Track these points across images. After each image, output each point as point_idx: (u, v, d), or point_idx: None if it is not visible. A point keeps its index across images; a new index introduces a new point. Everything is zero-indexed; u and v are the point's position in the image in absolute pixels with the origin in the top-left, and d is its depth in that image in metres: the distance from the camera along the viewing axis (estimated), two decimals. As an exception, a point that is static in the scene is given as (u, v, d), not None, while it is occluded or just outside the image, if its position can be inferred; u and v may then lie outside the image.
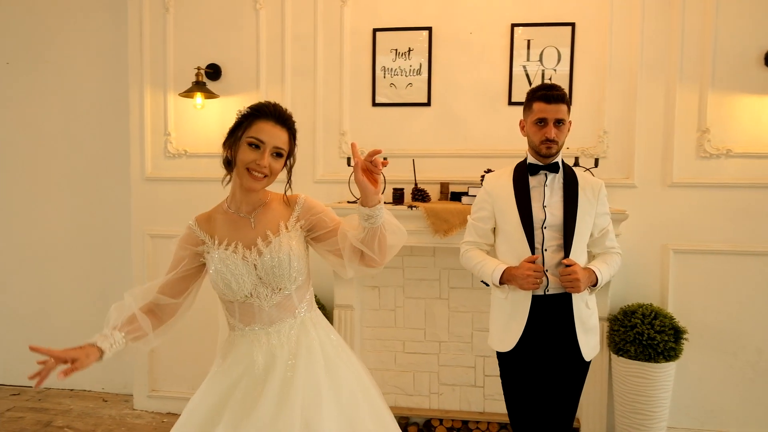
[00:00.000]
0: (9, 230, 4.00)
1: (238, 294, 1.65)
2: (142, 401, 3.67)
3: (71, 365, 1.41)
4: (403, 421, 3.30)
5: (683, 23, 3.01)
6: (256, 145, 1.62)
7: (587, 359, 2.14)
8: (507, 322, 2.14)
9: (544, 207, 2.11)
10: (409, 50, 3.27)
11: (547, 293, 2.10)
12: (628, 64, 3.08)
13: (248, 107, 1.67)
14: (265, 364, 1.60)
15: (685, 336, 2.87)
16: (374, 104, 3.33)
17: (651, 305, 2.95)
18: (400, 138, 3.30)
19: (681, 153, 3.05)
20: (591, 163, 3.01)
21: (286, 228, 1.69)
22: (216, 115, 3.49)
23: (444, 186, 3.20)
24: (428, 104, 3.27)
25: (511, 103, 3.19)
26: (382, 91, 3.32)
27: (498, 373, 3.17)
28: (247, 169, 1.63)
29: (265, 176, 1.64)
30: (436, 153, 3.27)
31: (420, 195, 3.11)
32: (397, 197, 3.12)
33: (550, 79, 3.14)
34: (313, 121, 3.39)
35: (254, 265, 1.63)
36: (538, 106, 2.08)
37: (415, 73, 3.28)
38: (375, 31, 3.30)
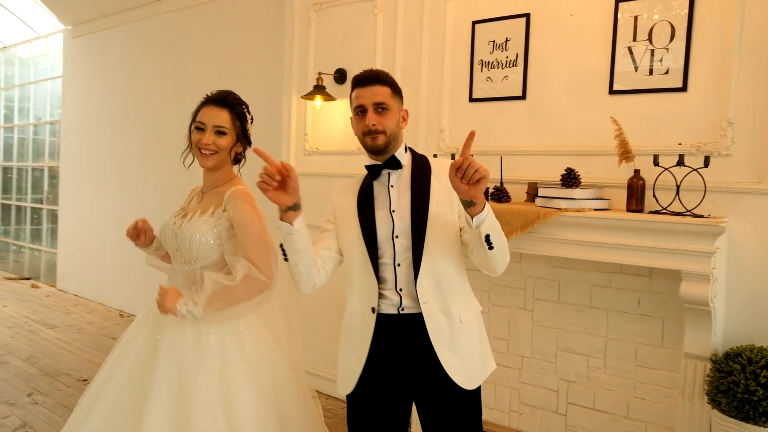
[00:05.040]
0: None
1: (168, 250, 1.97)
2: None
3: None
4: (480, 434, 3.12)
5: None
6: (200, 128, 1.89)
7: (465, 387, 1.73)
8: (345, 360, 1.82)
9: (391, 212, 1.76)
10: (506, 41, 3.06)
11: (401, 313, 1.74)
12: (765, 37, 2.36)
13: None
14: (158, 316, 1.86)
15: (808, 398, 2.11)
16: (471, 99, 3.21)
17: (769, 350, 2.24)
18: (492, 133, 3.12)
19: (843, 150, 2.23)
20: (700, 163, 2.40)
21: (211, 213, 1.87)
22: (339, 116, 3.79)
23: (531, 186, 2.92)
24: (523, 97, 3.02)
25: (612, 92, 2.74)
26: (479, 86, 3.17)
27: (581, 403, 2.82)
28: (198, 149, 1.90)
29: (214, 152, 1.88)
30: (527, 150, 2.99)
31: (498, 195, 2.91)
32: (476, 197, 2.96)
33: (660, 60, 2.60)
34: (416, 119, 3.42)
35: (175, 233, 1.90)
36: (354, 94, 1.79)
37: (511, 65, 3.05)
38: (474, 23, 3.17)
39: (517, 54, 3.03)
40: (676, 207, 2.45)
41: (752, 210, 2.40)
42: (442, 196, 1.74)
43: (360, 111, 1.78)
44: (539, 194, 2.72)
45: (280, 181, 1.57)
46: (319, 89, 3.64)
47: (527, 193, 2.94)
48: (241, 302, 1.75)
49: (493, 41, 3.11)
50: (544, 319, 2.95)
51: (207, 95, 1.95)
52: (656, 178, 2.51)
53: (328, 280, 1.84)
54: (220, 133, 1.87)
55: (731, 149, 2.45)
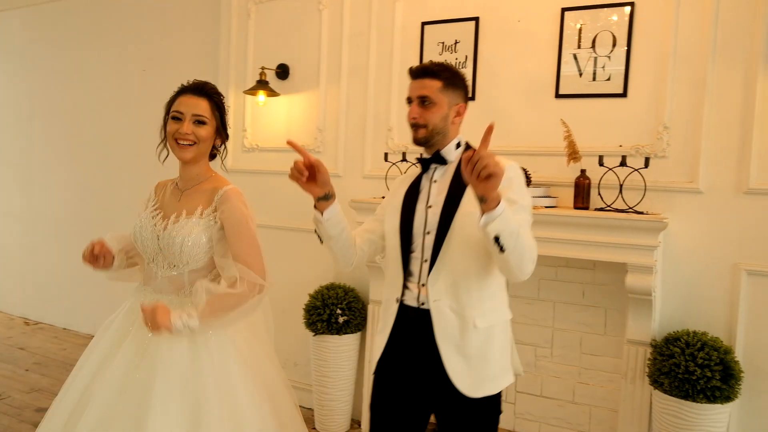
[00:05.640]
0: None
1: (144, 254, 1.82)
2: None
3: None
4: (432, 426, 3.19)
5: (771, -5, 2.46)
6: (178, 117, 1.78)
7: (468, 394, 1.67)
8: (376, 339, 1.86)
9: (428, 208, 1.77)
10: (456, 43, 3.15)
11: (421, 306, 1.74)
12: (697, 48, 2.60)
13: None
14: (137, 324, 1.71)
15: (739, 376, 2.35)
16: (420, 99, 3.26)
17: (704, 334, 2.47)
18: (442, 134, 3.19)
19: (761, 153, 2.50)
20: (641, 163, 2.60)
21: (201, 214, 1.77)
22: (282, 112, 3.72)
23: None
24: (472, 98, 3.11)
25: (558, 95, 2.90)
26: (428, 86, 3.23)
27: (529, 391, 2.96)
28: (175, 140, 1.78)
29: (193, 143, 1.77)
30: (476, 150, 3.09)
31: (451, 193, 2.98)
32: (428, 194, 3.03)
33: (603, 67, 2.79)
34: (364, 119, 3.43)
35: (157, 236, 1.77)
36: (408, 86, 1.82)
37: (460, 66, 3.13)
38: (423, 24, 3.23)
39: (466, 56, 3.12)
40: (619, 204, 2.64)
41: (685, 207, 2.63)
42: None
43: (408, 102, 1.82)
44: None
45: (309, 174, 1.64)
46: (262, 84, 3.55)
47: (478, 191, 3.04)
48: (238, 306, 1.68)
49: (443, 43, 3.18)
50: (494, 313, 3.06)
51: (183, 85, 1.84)
52: (601, 178, 2.69)
53: (369, 258, 1.93)
54: (200, 122, 1.77)
55: (667, 151, 2.67)
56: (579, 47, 2.84)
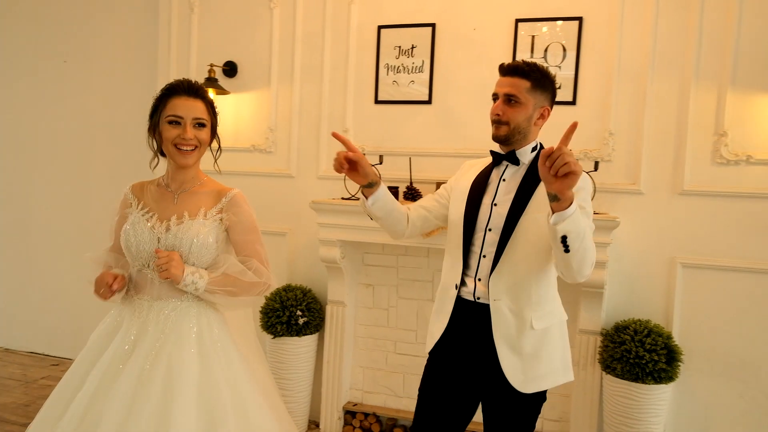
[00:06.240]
0: (57, 214, 4.36)
1: (136, 260, 1.74)
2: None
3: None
4: (391, 423, 3.26)
5: (701, 19, 2.75)
6: (176, 122, 1.71)
7: (518, 388, 1.76)
8: (432, 324, 1.95)
9: (493, 205, 1.83)
10: (412, 47, 3.23)
11: (477, 301, 1.82)
12: (639, 62, 2.86)
13: (161, 89, 1.77)
14: (137, 335, 1.66)
15: (680, 357, 2.63)
16: (377, 101, 3.32)
17: (648, 321, 2.73)
18: (400, 136, 3.27)
19: (694, 158, 2.80)
20: (591, 167, 2.82)
21: (205, 215, 1.74)
22: (230, 111, 3.62)
23: (439, 186, 3.10)
24: (429, 102, 3.22)
25: (512, 102, 3.06)
26: (385, 89, 3.30)
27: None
28: (176, 146, 1.71)
29: (195, 148, 1.73)
30: (434, 152, 3.20)
31: (412, 194, 3.07)
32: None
33: (554, 76, 2.97)
34: (319, 119, 3.43)
35: (158, 238, 1.71)
36: (497, 82, 1.85)
37: (417, 71, 3.23)
38: (380, 28, 3.29)
39: (423, 61, 3.21)
40: (572, 204, 2.84)
41: (628, 207, 2.88)
42: (546, 201, 1.61)
43: (494, 98, 1.84)
44: (456, 193, 2.93)
45: (350, 165, 1.78)
46: (211, 82, 3.44)
47: (435, 192, 3.14)
48: (245, 293, 1.70)
49: (399, 47, 3.26)
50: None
51: (170, 85, 1.77)
52: (554, 180, 2.88)
53: (420, 231, 2.07)
54: (200, 125, 1.74)
55: (612, 156, 2.92)
56: (532, 56, 3.01)
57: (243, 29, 3.59)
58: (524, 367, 1.77)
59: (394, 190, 3.10)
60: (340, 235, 3.11)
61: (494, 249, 1.79)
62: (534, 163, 1.81)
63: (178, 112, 1.71)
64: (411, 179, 3.14)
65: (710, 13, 2.74)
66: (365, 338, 3.36)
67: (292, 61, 3.47)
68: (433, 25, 3.18)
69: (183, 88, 1.74)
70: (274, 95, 3.53)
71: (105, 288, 1.68)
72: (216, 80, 3.47)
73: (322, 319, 3.31)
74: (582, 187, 1.71)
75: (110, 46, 4.13)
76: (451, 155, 3.17)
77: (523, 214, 1.76)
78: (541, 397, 1.85)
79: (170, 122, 1.71)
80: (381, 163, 3.13)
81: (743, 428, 2.77)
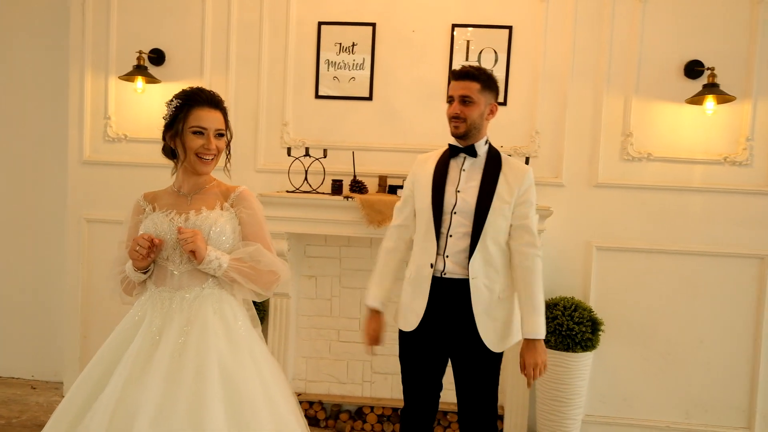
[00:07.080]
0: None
1: (162, 253, 1.75)
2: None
3: None
4: (336, 409, 3.37)
5: (612, 33, 3.17)
6: (200, 132, 1.76)
7: (493, 350, 2.08)
8: (410, 302, 2.15)
9: (456, 192, 2.09)
10: (353, 45, 3.34)
11: (444, 276, 2.09)
12: (560, 69, 3.23)
13: (179, 97, 1.80)
14: (161, 326, 1.66)
15: (601, 328, 3.04)
16: (317, 96, 3.39)
17: (573, 298, 3.11)
18: (341, 130, 3.37)
19: (606, 155, 3.22)
20: (522, 162, 3.13)
21: (221, 207, 1.81)
22: (158, 100, 3.47)
23: (382, 179, 3.28)
24: (370, 98, 3.35)
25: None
26: (326, 84, 3.37)
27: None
28: (197, 155, 1.77)
29: (214, 156, 1.81)
30: (376, 146, 3.35)
31: (358, 187, 3.18)
32: (336, 188, 3.19)
33: (486, 79, 3.26)
34: (256, 111, 3.41)
35: (178, 227, 1.72)
36: (450, 85, 2.12)
37: (358, 68, 3.35)
38: (320, 24, 3.35)
39: (363, 58, 3.34)
40: (506, 196, 3.14)
41: (552, 197, 3.24)
42: (505, 192, 2.07)
43: (450, 100, 2.10)
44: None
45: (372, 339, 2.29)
46: (140, 70, 3.29)
47: (379, 185, 3.29)
48: (261, 281, 1.76)
49: (340, 44, 3.35)
50: (394, 296, 3.35)
51: (190, 95, 1.79)
52: (490, 173, 3.16)
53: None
54: (220, 135, 1.81)
55: (538, 152, 3.26)
56: (467, 59, 3.27)
57: (171, 15, 3.45)
58: (497, 331, 2.11)
59: (338, 184, 3.20)
60: (287, 228, 3.15)
61: (462, 229, 2.08)
62: (488, 155, 2.14)
63: (203, 124, 1.76)
64: (355, 173, 3.25)
65: (619, 28, 3.17)
66: (308, 329, 3.43)
67: (227, 51, 3.42)
68: (373, 25, 3.32)
69: (205, 100, 1.79)
70: (206, 86, 3.41)
71: (143, 244, 1.66)
72: (146, 68, 3.32)
73: (266, 311, 3.32)
74: (531, 184, 2.13)
75: (14, 30, 3.74)
76: (392, 150, 3.33)
77: (491, 206, 2.06)
78: (501, 356, 2.19)
79: (194, 132, 1.76)
80: (325, 156, 3.22)
81: (646, 384, 3.26)
